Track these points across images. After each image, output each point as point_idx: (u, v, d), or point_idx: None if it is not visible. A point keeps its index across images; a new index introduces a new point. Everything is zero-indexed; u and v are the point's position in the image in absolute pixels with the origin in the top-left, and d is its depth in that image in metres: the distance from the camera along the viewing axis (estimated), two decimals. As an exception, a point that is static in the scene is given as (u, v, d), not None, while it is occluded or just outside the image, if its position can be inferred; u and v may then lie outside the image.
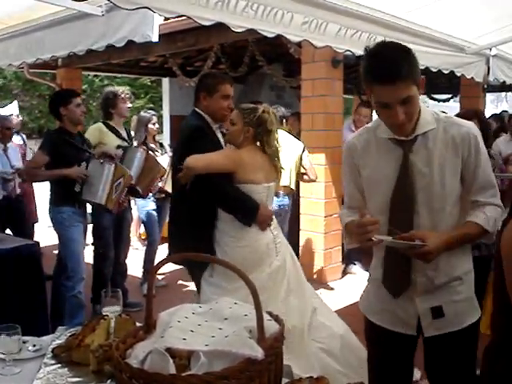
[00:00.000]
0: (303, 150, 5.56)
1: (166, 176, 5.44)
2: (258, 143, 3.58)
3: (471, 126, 2.18)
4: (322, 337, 3.67)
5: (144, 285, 6.00)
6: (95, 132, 5.20)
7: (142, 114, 6.22)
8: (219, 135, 3.76)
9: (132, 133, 5.80)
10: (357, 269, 6.77)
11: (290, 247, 3.86)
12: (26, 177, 4.84)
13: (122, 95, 5.30)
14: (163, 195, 5.87)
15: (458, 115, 3.94)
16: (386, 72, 1.96)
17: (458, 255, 2.19)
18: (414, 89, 1.99)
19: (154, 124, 6.02)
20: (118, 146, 5.04)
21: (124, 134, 5.36)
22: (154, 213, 5.97)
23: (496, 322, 1.85)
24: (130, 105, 5.43)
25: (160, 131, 11.48)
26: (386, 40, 2.19)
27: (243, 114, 3.52)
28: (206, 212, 3.55)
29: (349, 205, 2.41)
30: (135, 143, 5.67)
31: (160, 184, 5.55)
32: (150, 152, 5.46)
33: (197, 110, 3.68)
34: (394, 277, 2.23)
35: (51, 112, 4.78)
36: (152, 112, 6.31)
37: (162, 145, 6.27)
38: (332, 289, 6.28)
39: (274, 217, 3.70)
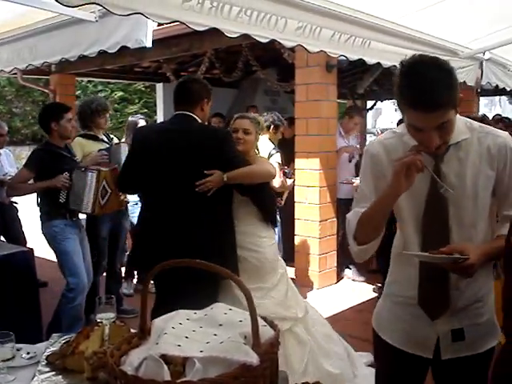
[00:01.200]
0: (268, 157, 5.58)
1: None
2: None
3: (507, 137, 2.03)
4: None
5: (123, 284, 6.03)
6: (76, 148, 5.08)
7: (130, 118, 6.23)
8: None
9: (111, 135, 5.74)
10: (351, 273, 6.76)
11: None
12: (9, 191, 4.80)
13: (100, 111, 5.20)
14: None
15: None
16: (423, 100, 1.76)
17: (482, 275, 2.03)
18: (452, 113, 1.83)
19: None
20: (100, 150, 4.99)
21: (102, 136, 5.32)
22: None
23: (508, 326, 1.79)
24: (107, 116, 5.37)
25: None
26: (424, 54, 1.89)
27: (254, 123, 3.72)
28: (227, 217, 3.55)
29: (360, 211, 2.14)
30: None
31: None
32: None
33: (193, 115, 3.54)
34: (432, 298, 2.06)
35: (41, 125, 4.67)
36: (140, 116, 6.32)
37: None
38: (327, 293, 6.28)
39: None
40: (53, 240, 4.51)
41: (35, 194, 4.63)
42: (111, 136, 5.58)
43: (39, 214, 4.60)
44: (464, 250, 1.86)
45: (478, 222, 2.01)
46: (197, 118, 3.54)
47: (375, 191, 2.11)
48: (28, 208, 5.70)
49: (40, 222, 4.58)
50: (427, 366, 2.18)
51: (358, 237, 2.11)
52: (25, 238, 6.44)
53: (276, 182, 5.09)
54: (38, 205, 4.62)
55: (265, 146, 5.53)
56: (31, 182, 4.55)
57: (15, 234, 6.28)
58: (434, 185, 1.97)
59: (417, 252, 1.98)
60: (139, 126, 5.98)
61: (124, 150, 5.00)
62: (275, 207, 3.82)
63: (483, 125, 2.08)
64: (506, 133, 2.06)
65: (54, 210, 4.48)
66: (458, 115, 1.95)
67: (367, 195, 2.14)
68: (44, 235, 4.58)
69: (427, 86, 1.76)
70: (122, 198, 4.81)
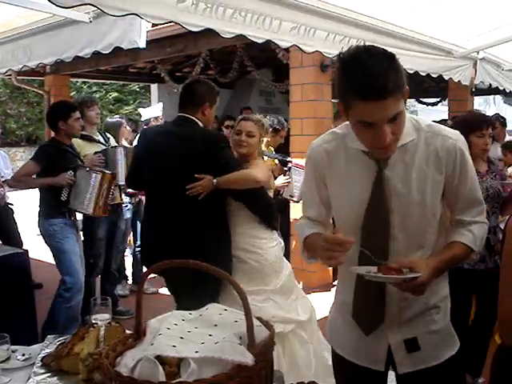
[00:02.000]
0: None
1: None
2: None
3: (458, 138, 1.86)
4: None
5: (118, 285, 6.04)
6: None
7: (109, 120, 6.17)
8: None
9: (108, 134, 5.74)
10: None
11: None
12: (13, 184, 4.79)
13: (87, 102, 5.26)
14: (138, 199, 5.88)
15: (464, 119, 3.70)
16: (373, 86, 1.60)
17: (436, 281, 1.85)
18: (402, 103, 1.67)
19: (125, 127, 6.01)
20: (96, 153, 4.99)
21: (100, 138, 5.33)
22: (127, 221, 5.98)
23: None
24: (98, 110, 5.36)
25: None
26: (367, 44, 1.76)
27: (258, 125, 3.62)
28: (224, 222, 3.54)
29: (309, 216, 2.10)
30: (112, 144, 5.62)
31: None
32: (127, 147, 5.44)
33: (193, 117, 3.53)
34: (366, 312, 1.93)
35: (49, 123, 4.71)
36: (117, 116, 6.30)
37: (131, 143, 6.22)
38: (323, 294, 6.27)
39: None
40: (51, 238, 4.51)
41: (32, 195, 4.63)
42: (108, 135, 5.57)
43: (38, 211, 4.60)
44: (414, 266, 1.71)
45: (427, 229, 1.87)
46: (197, 121, 3.52)
47: (319, 197, 2.02)
48: (23, 209, 5.69)
49: (38, 220, 4.58)
50: (383, 381, 2.02)
51: (307, 252, 2.03)
52: (21, 239, 6.43)
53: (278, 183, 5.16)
54: (40, 202, 4.63)
55: None
56: (34, 177, 4.56)
57: (11, 236, 6.27)
58: (377, 191, 1.83)
59: (365, 269, 1.76)
60: (124, 125, 5.98)
61: (120, 154, 5.00)
62: (272, 212, 3.70)
63: (433, 124, 1.90)
64: (457, 132, 1.90)
65: (54, 209, 4.49)
66: (407, 115, 1.81)
67: (312, 201, 2.07)
68: (42, 233, 4.58)
69: (374, 72, 1.61)
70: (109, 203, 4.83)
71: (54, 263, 4.62)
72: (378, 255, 1.79)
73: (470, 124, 3.55)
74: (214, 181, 3.35)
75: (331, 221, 2.13)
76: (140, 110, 7.89)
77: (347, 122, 1.90)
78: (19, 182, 4.62)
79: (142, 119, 7.21)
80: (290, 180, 5.33)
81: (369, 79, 1.60)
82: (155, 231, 3.54)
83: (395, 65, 1.66)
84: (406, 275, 1.70)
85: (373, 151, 1.80)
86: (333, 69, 6.43)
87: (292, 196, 5.66)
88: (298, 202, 5.84)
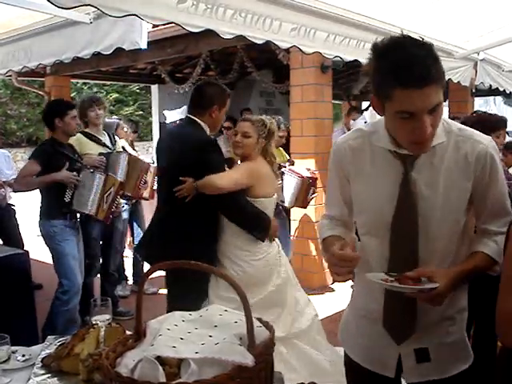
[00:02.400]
0: None
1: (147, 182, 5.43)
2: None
3: (489, 143, 1.78)
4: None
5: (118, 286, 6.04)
6: (76, 143, 5.08)
7: (108, 120, 6.15)
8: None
9: (117, 137, 5.74)
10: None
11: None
12: (16, 186, 4.78)
13: (90, 102, 5.25)
14: (135, 200, 5.88)
15: (481, 121, 3.54)
16: (415, 72, 1.55)
17: (454, 292, 1.78)
18: (441, 94, 1.62)
19: (122, 128, 6.00)
20: (100, 154, 5.00)
21: (106, 140, 5.31)
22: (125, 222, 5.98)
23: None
24: (99, 111, 5.35)
25: (150, 138, 11.49)
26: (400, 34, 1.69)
27: (256, 126, 3.53)
28: (209, 225, 3.53)
29: (331, 215, 2.07)
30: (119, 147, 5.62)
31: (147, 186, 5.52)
32: (131, 154, 5.44)
33: (197, 120, 3.54)
34: (398, 321, 1.87)
35: (45, 122, 4.71)
36: (116, 117, 6.30)
37: (123, 148, 6.18)
38: (323, 294, 6.27)
39: None
40: (51, 240, 4.50)
41: (33, 196, 4.63)
42: (115, 138, 5.57)
43: (39, 212, 4.60)
44: (433, 276, 1.66)
45: (450, 236, 1.80)
46: (201, 122, 3.53)
47: (342, 195, 1.98)
48: (24, 210, 5.69)
49: (39, 220, 4.58)
50: None
51: (324, 253, 1.98)
52: (22, 240, 6.43)
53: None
54: (41, 202, 4.63)
55: None
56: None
57: (12, 237, 6.27)
58: (405, 194, 1.78)
59: (381, 277, 1.72)
60: (120, 126, 5.98)
61: (123, 161, 4.98)
62: (256, 222, 3.54)
63: (464, 127, 1.84)
64: (489, 138, 1.83)
65: (55, 210, 4.48)
66: None
67: (335, 199, 2.04)
68: (42, 234, 4.58)
69: (416, 58, 1.57)
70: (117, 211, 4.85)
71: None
72: (407, 261, 1.76)
73: (491, 124, 3.56)
74: (194, 184, 3.37)
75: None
76: (165, 112, 7.91)
77: (375, 121, 1.90)
78: (22, 184, 4.60)
79: (167, 121, 7.21)
80: (281, 185, 5.33)
81: (412, 66, 1.56)
82: (152, 226, 3.73)
83: (435, 53, 1.61)
84: (423, 285, 1.65)
85: (409, 147, 1.73)
86: (333, 69, 6.45)
87: (283, 201, 5.68)
88: (289, 208, 5.88)
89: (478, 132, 1.83)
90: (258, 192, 3.50)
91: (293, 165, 6.03)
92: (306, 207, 5.96)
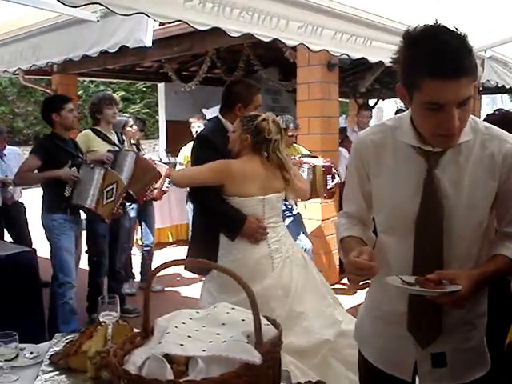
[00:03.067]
0: None
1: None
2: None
3: None
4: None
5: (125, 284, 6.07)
6: (83, 139, 5.15)
7: (117, 117, 6.17)
8: None
9: (124, 137, 5.76)
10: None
11: (309, 263, 3.58)
12: (17, 180, 4.82)
13: (107, 100, 5.28)
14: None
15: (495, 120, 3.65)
16: (447, 63, 1.51)
17: (475, 296, 1.72)
18: (473, 88, 1.57)
19: (131, 126, 5.99)
20: (109, 151, 5.02)
21: (114, 138, 5.34)
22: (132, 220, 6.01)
23: None
24: (116, 110, 5.38)
25: (156, 136, 11.50)
26: (430, 24, 1.62)
27: (243, 121, 3.37)
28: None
29: (349, 213, 2.03)
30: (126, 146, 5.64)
31: (155, 191, 5.53)
32: (141, 154, 5.45)
33: (222, 119, 3.59)
34: (423, 324, 1.81)
35: (44, 118, 4.77)
36: (127, 115, 6.30)
37: (138, 147, 6.20)
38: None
39: (280, 230, 3.46)
40: (50, 233, 4.55)
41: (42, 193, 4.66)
42: (123, 137, 5.58)
43: (41, 206, 4.63)
44: (455, 278, 1.61)
45: (470, 237, 1.75)
46: (225, 121, 3.57)
47: (361, 190, 1.94)
48: (33, 207, 5.71)
49: (41, 214, 4.62)
50: None
51: (343, 253, 1.96)
52: (30, 238, 6.44)
53: None
54: (42, 196, 4.66)
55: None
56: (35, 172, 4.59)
57: (20, 234, 6.29)
58: (429, 192, 1.73)
59: (401, 281, 1.66)
60: (129, 124, 5.97)
61: (129, 160, 4.99)
62: (223, 220, 3.40)
63: (490, 126, 1.78)
64: None
65: (55, 204, 4.52)
66: None
67: (353, 195, 2.00)
68: (42, 225, 4.62)
69: (449, 48, 1.52)
70: (122, 212, 4.86)
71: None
72: (431, 262, 1.72)
73: None
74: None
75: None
76: (204, 110, 7.95)
77: (400, 115, 1.85)
78: (22, 178, 4.64)
79: (207, 118, 7.23)
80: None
81: (444, 56, 1.52)
82: None
83: (469, 45, 1.56)
84: (445, 287, 1.60)
85: (434, 140, 1.68)
86: (339, 67, 6.44)
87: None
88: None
89: (506, 132, 1.78)
90: (230, 190, 3.32)
91: (314, 158, 5.94)
92: (330, 197, 5.73)
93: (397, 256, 1.83)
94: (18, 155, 6.64)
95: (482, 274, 1.68)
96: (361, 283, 1.70)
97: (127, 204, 5.65)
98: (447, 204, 1.72)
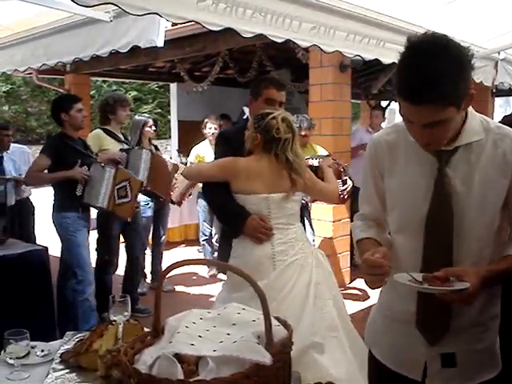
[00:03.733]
0: None
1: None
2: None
3: None
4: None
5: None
6: (94, 139, 5.16)
7: (137, 117, 6.19)
8: None
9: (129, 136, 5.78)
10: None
11: (321, 266, 3.39)
12: (27, 180, 4.85)
13: (123, 102, 5.30)
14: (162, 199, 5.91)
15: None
16: (410, 90, 1.56)
17: (487, 296, 1.76)
18: (449, 111, 1.57)
19: (150, 127, 5.98)
20: (121, 150, 5.04)
21: (122, 138, 5.37)
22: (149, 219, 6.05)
23: None
24: (128, 111, 5.41)
25: (168, 136, 11.52)
26: (436, 33, 1.63)
27: (255, 119, 3.34)
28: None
29: (364, 214, 2.05)
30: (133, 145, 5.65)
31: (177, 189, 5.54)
32: (154, 151, 5.47)
33: (246, 112, 3.72)
34: (432, 321, 1.81)
35: (53, 117, 4.80)
36: (147, 115, 6.31)
37: (156, 147, 6.23)
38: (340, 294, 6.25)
39: (291, 232, 3.34)
40: (65, 230, 4.57)
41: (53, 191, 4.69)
42: (128, 136, 5.61)
43: (52, 204, 4.66)
44: (463, 275, 1.61)
45: (483, 237, 1.73)
46: (247, 114, 3.77)
47: (376, 191, 1.96)
48: (45, 205, 5.74)
49: (52, 213, 4.64)
50: None
51: (358, 254, 1.99)
52: (35, 238, 6.46)
53: None
54: (54, 195, 4.69)
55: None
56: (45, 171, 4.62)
57: (24, 233, 6.31)
58: (440, 191, 1.74)
59: (408, 278, 1.67)
60: (148, 124, 5.97)
61: (144, 158, 5.01)
62: (225, 217, 3.45)
63: (502, 125, 1.78)
64: None
65: (67, 202, 4.54)
66: (474, 112, 1.76)
67: (368, 196, 2.01)
68: (55, 225, 4.63)
69: (420, 72, 1.52)
70: (137, 209, 4.89)
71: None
72: (441, 261, 1.72)
73: None
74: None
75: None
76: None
77: None
78: (33, 178, 4.67)
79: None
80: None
81: (414, 79, 1.54)
82: None
83: (456, 71, 1.55)
84: (452, 285, 1.60)
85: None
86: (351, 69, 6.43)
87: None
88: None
89: None
90: (235, 187, 3.31)
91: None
92: (342, 202, 5.62)
93: (406, 255, 1.84)
94: (24, 153, 6.66)
95: (491, 272, 1.67)
96: (375, 285, 1.72)
97: (144, 203, 5.69)
98: (458, 203, 1.72)
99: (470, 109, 1.75)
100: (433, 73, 1.52)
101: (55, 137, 4.92)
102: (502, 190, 1.72)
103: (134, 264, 5.43)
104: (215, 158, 3.54)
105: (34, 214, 6.61)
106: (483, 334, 1.80)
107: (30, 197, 6.59)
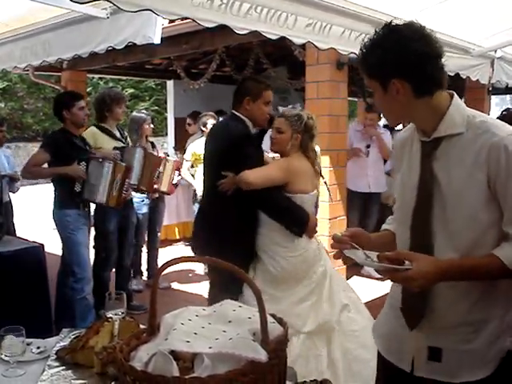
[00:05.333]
0: None
1: (161, 176, 5.46)
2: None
3: (507, 136, 1.69)
4: (353, 330, 3.63)
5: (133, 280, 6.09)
6: (89, 137, 5.12)
7: (136, 114, 6.19)
8: (265, 139, 3.81)
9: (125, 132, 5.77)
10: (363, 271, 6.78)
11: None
12: (24, 174, 4.84)
13: (119, 99, 5.29)
14: (157, 195, 5.91)
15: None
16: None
17: (478, 295, 1.75)
18: (373, 84, 1.82)
19: (148, 124, 5.98)
20: (115, 148, 5.03)
21: (118, 134, 5.35)
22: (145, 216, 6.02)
23: None
24: (125, 109, 5.41)
25: (165, 134, 11.50)
26: (402, 22, 1.82)
27: (290, 121, 3.54)
28: (248, 218, 3.59)
29: (394, 208, 2.07)
30: (130, 142, 5.64)
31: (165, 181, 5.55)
32: (146, 149, 5.47)
33: (237, 113, 3.66)
34: (412, 304, 1.85)
35: (55, 114, 4.81)
36: (146, 112, 6.30)
37: (153, 144, 6.24)
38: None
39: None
40: (64, 228, 4.57)
41: (48, 188, 4.68)
42: (125, 132, 5.60)
43: (53, 201, 4.66)
44: (413, 259, 1.65)
45: (463, 230, 1.73)
46: (240, 115, 3.63)
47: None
48: (39, 203, 5.74)
49: (52, 209, 4.64)
50: (409, 382, 1.89)
51: None
52: (14, 229, 6.42)
53: None
54: (54, 192, 4.68)
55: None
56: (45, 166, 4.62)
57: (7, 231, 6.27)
58: (423, 180, 1.81)
59: (362, 254, 1.75)
60: (147, 122, 5.96)
61: (139, 155, 5.02)
62: (293, 217, 3.59)
63: (487, 120, 1.77)
64: (510, 130, 1.73)
65: (67, 199, 4.55)
66: (461, 107, 1.81)
67: (395, 191, 2.06)
68: (55, 222, 4.63)
69: (364, 46, 1.83)
70: (125, 197, 4.87)
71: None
72: (424, 250, 1.75)
73: None
74: (236, 178, 3.43)
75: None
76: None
77: None
78: (30, 172, 4.66)
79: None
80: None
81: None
82: (196, 217, 4.01)
83: (388, 51, 1.74)
84: (392, 266, 1.65)
85: None
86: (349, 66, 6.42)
87: None
88: None
89: (501, 125, 1.76)
90: (295, 188, 3.52)
91: None
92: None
93: (400, 245, 1.94)
94: (8, 158, 6.54)
95: (454, 265, 1.70)
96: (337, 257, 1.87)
97: (139, 200, 5.69)
98: (440, 194, 1.77)
99: (457, 102, 1.81)
100: (370, 45, 1.80)
101: (56, 132, 4.93)
102: (479, 184, 1.71)
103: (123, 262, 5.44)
104: (251, 159, 3.51)
105: (12, 216, 6.52)
106: (471, 334, 1.78)
107: (14, 196, 6.50)
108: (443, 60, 1.76)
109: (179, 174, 5.88)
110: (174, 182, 5.68)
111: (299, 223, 3.58)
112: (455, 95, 1.84)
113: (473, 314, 1.78)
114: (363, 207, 6.96)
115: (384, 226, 2.14)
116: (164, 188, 5.50)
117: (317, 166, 3.68)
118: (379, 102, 1.86)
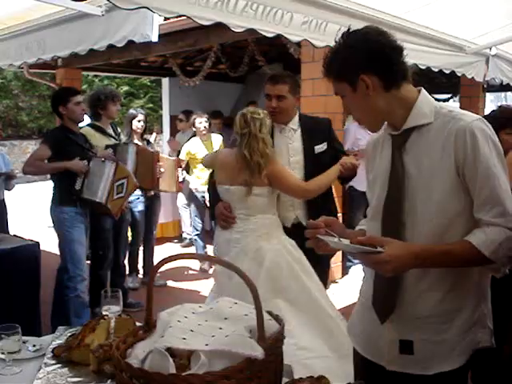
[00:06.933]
0: None
1: (162, 174, 5.47)
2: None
3: (473, 122, 1.72)
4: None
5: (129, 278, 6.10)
6: None
7: (130, 111, 6.19)
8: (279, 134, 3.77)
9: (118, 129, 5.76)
10: (357, 269, 6.77)
11: (284, 258, 3.52)
12: (26, 169, 4.83)
13: (113, 97, 5.28)
14: (152, 193, 5.91)
15: (494, 115, 3.48)
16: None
17: (451, 284, 1.78)
18: (343, 86, 1.91)
19: (138, 121, 5.94)
20: (107, 146, 5.02)
21: (110, 131, 5.35)
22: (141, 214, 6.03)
23: None
24: (119, 107, 5.40)
25: (160, 131, 11.48)
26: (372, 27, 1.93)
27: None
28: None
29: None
30: (124, 139, 5.66)
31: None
32: (139, 144, 5.48)
33: None
34: (382, 297, 1.87)
35: (53, 110, 4.80)
36: (140, 110, 6.27)
37: (148, 142, 6.24)
38: (332, 289, 6.27)
39: (251, 224, 3.53)
40: (61, 225, 4.56)
41: (45, 186, 4.68)
42: (118, 130, 5.59)
43: (51, 198, 4.65)
44: (383, 244, 1.65)
45: (433, 219, 1.75)
46: None
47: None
48: (35, 200, 5.73)
49: (50, 206, 4.63)
50: (386, 377, 1.89)
51: None
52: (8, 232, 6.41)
53: None
54: (53, 189, 4.68)
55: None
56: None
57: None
58: (393, 173, 1.84)
59: (335, 239, 1.77)
60: (137, 119, 5.95)
61: (132, 151, 5.02)
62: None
63: (455, 110, 1.82)
64: (477, 117, 1.76)
65: (66, 196, 4.54)
66: (427, 99, 1.85)
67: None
68: (52, 219, 4.63)
69: (330, 50, 1.95)
70: (124, 207, 4.89)
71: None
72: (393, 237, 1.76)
73: (500, 120, 3.34)
74: None
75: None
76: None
77: None
78: (32, 167, 4.64)
79: None
80: None
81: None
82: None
83: (347, 53, 1.86)
84: (366, 248, 1.67)
85: None
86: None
87: None
88: None
89: (468, 113, 1.80)
90: (216, 178, 3.74)
91: None
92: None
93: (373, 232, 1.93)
94: (3, 157, 6.51)
95: (426, 250, 1.70)
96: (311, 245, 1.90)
97: (135, 197, 5.69)
98: (411, 186, 1.80)
99: (424, 95, 1.85)
100: (333, 51, 1.94)
101: (56, 129, 4.94)
102: (448, 171, 1.73)
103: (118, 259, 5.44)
104: None
105: (6, 216, 6.50)
106: (444, 325, 1.80)
107: (8, 195, 6.49)
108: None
109: (183, 170, 5.96)
110: (180, 179, 5.73)
111: (210, 209, 3.95)
112: (423, 89, 1.88)
113: (445, 304, 1.79)
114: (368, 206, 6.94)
115: (357, 227, 2.15)
116: (173, 188, 5.56)
117: (248, 166, 3.49)
118: (351, 105, 1.89)
